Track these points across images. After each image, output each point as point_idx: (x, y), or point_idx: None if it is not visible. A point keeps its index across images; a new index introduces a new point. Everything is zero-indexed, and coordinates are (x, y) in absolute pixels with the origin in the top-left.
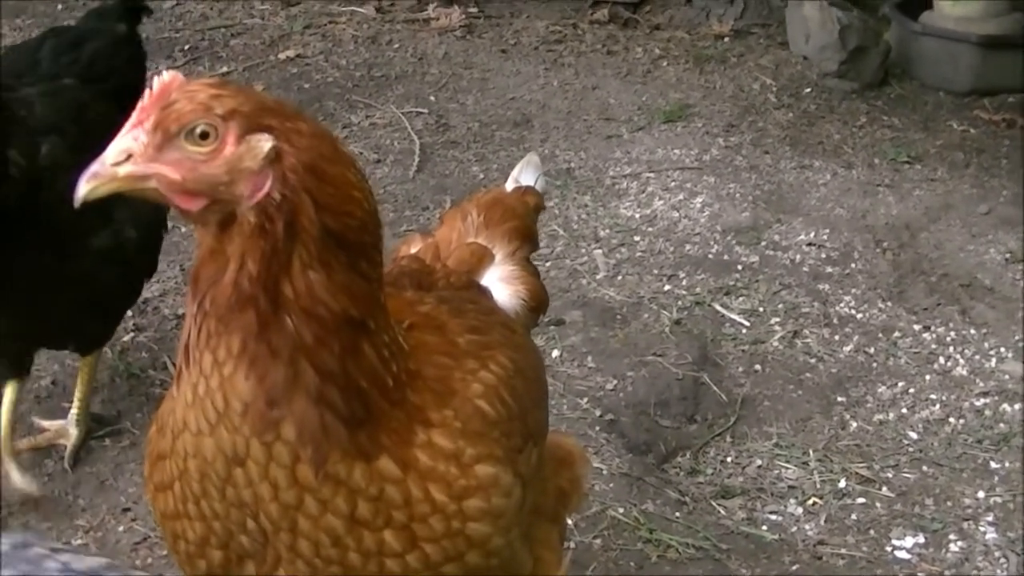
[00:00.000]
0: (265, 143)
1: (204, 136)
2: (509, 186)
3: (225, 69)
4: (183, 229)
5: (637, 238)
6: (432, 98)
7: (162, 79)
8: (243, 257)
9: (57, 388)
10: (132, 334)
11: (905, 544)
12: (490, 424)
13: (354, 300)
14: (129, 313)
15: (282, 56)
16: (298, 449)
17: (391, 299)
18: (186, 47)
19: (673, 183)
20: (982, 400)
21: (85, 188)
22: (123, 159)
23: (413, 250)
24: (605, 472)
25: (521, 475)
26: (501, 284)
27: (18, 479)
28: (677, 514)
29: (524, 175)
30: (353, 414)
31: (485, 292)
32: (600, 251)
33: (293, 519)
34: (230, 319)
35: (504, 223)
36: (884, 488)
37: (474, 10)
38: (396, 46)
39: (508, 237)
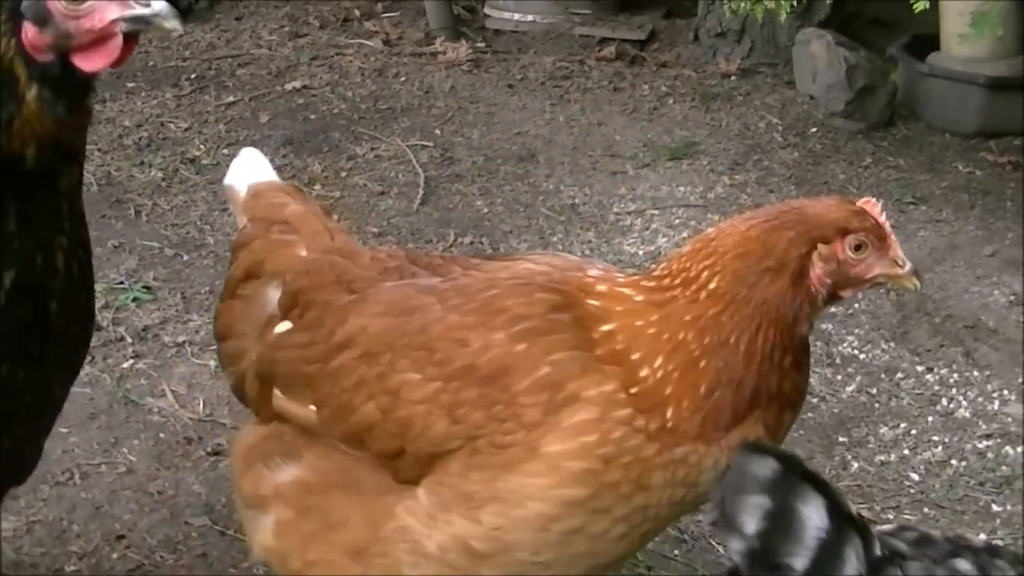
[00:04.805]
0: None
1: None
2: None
3: (231, 99)
4: (185, 257)
5: None
6: (438, 131)
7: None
8: None
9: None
10: (132, 361)
11: None
12: None
13: None
14: (129, 340)
15: (288, 87)
16: None
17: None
18: (193, 76)
19: (677, 220)
20: (984, 442)
21: None
22: None
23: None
24: None
25: None
26: None
27: None
28: (676, 552)
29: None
30: None
31: None
32: None
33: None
34: None
35: None
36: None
37: (481, 45)
38: (403, 79)
39: None
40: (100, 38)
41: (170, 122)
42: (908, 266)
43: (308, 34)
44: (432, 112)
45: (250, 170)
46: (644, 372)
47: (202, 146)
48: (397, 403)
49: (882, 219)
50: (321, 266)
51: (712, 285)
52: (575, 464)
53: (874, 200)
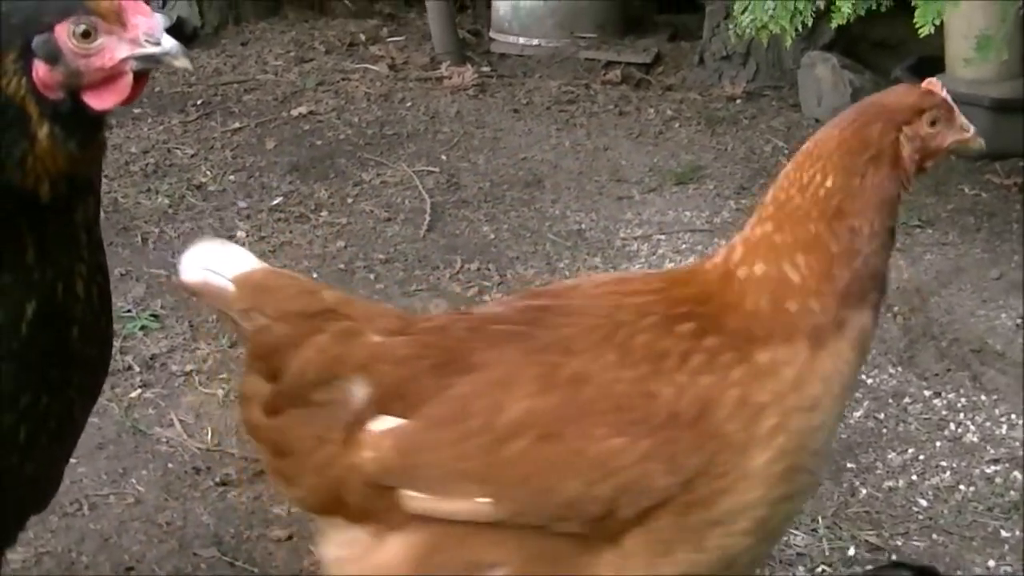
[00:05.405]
0: None
1: None
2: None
3: (237, 125)
4: None
5: None
6: (444, 157)
7: None
8: None
9: None
10: (140, 390)
11: None
12: None
13: None
14: (136, 369)
15: (295, 112)
16: None
17: None
18: (199, 102)
19: (684, 245)
20: (993, 467)
21: None
22: None
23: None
24: None
25: None
26: None
27: None
28: None
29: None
30: None
31: None
32: None
33: None
34: None
35: None
36: (894, 556)
37: (487, 69)
38: (408, 104)
39: None
40: (111, 76)
41: (176, 148)
42: (972, 129)
43: (314, 59)
44: (438, 137)
45: (222, 259)
46: (794, 276)
47: (208, 172)
48: (607, 472)
49: (945, 94)
50: (415, 352)
51: (828, 183)
52: (776, 467)
53: (934, 79)
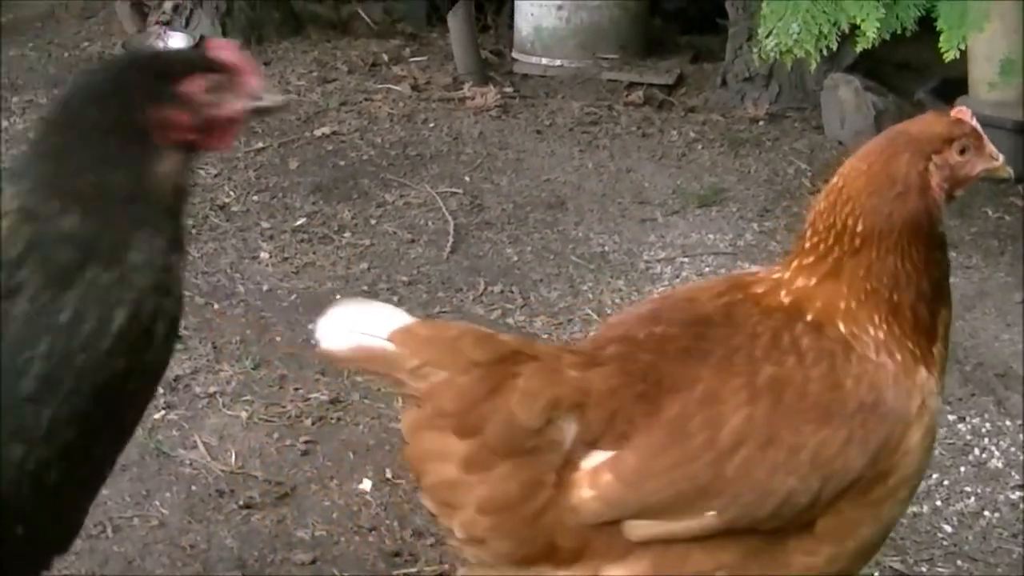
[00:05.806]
0: None
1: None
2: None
3: (260, 144)
4: (216, 306)
5: None
6: (467, 178)
7: None
8: None
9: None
10: (163, 412)
11: None
12: None
13: None
14: (160, 391)
15: (317, 133)
16: None
17: None
18: None
19: (707, 268)
20: (1017, 493)
21: None
22: None
23: None
24: None
25: None
26: None
27: None
28: None
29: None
30: None
31: None
32: None
33: None
34: None
35: None
36: None
37: (509, 90)
38: (431, 125)
39: None
40: (229, 123)
41: (199, 168)
42: (1001, 158)
43: (336, 79)
44: (461, 158)
45: (367, 319)
46: (880, 334)
47: (232, 192)
48: (819, 464)
49: (974, 123)
50: (619, 382)
51: (860, 228)
52: (926, 441)
53: (963, 107)
